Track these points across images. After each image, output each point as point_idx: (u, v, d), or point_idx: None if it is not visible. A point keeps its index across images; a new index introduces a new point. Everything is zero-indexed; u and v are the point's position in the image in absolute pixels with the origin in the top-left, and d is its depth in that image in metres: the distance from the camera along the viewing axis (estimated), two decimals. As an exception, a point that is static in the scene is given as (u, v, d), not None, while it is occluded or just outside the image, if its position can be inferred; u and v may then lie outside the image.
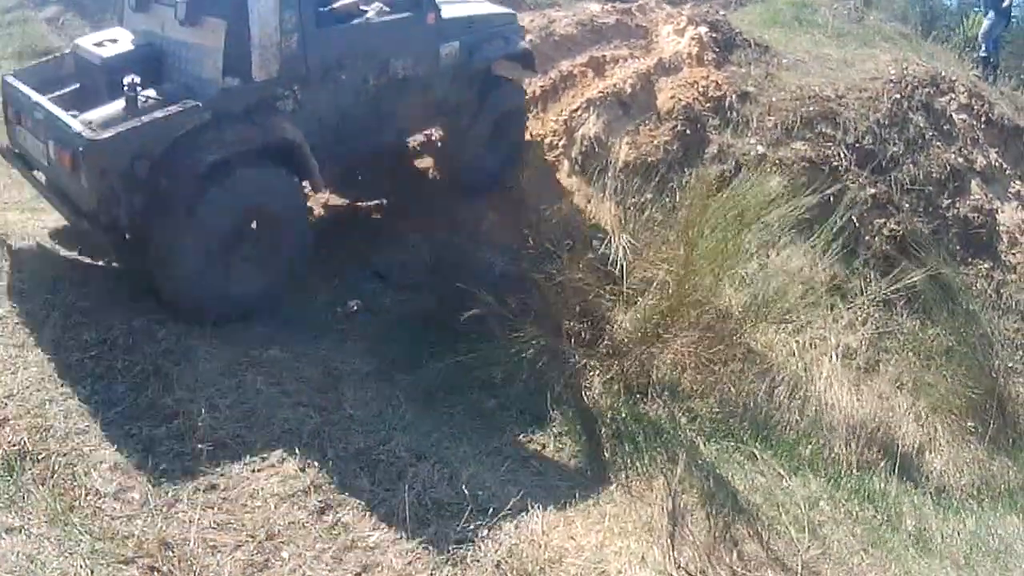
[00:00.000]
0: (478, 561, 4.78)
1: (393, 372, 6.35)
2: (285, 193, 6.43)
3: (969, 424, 7.93)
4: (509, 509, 5.14)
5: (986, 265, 9.41)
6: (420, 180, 8.59)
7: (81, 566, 4.24)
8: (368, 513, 4.96)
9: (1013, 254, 9.66)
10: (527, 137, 8.67)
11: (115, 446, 5.03)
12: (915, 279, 8.08)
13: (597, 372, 6.62)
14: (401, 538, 4.82)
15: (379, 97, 7.07)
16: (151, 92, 5.99)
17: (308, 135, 6.42)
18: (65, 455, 4.88)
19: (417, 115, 7.68)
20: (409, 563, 4.70)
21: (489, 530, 4.97)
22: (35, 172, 6.54)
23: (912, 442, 7.57)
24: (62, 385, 5.40)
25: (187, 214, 5.85)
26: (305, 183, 6.73)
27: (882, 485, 6.90)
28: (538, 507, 5.26)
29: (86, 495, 4.67)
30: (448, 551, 4.80)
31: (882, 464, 7.13)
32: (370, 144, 7.33)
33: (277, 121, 6.34)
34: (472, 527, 4.96)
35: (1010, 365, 8.68)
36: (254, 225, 6.37)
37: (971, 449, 7.82)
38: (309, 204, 7.39)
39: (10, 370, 5.43)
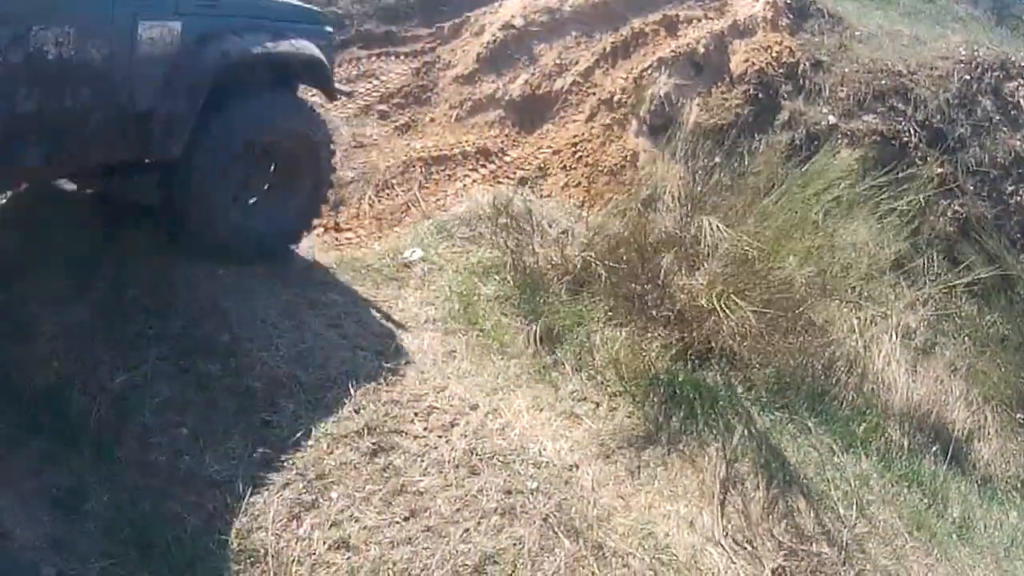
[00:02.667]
0: (527, 513, 4.71)
1: (450, 321, 6.28)
2: None
3: (1019, 416, 7.85)
4: (559, 463, 5.08)
5: (1047, 256, 9.16)
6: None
7: (125, 500, 4.22)
8: (419, 458, 4.89)
9: (1075, 245, 9.41)
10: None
11: (167, 381, 4.94)
12: (984, 274, 7.89)
13: (657, 336, 6.51)
14: (451, 485, 4.76)
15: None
16: None
17: None
18: (114, 391, 4.79)
19: (89, 129, 4.75)
20: (457, 510, 4.63)
21: (539, 483, 4.91)
22: None
23: (962, 429, 7.49)
24: (116, 320, 5.27)
25: None
26: None
27: (931, 469, 6.82)
28: (589, 464, 5.20)
29: (134, 430, 4.62)
30: (497, 501, 4.74)
31: (933, 449, 7.05)
32: None
33: None
34: (522, 479, 4.90)
35: None
36: None
37: (1018, 441, 7.76)
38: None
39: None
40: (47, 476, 4.25)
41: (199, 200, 5.45)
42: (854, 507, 5.85)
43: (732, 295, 6.37)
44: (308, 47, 5.72)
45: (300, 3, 6.00)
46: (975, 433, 7.61)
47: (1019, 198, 9.26)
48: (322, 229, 7.35)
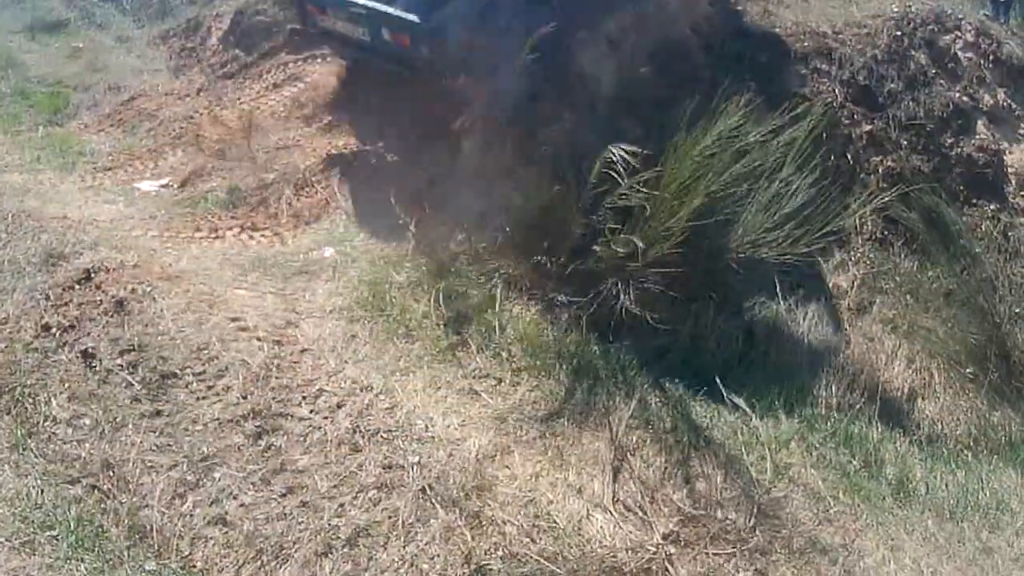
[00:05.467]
0: (404, 486, 4.75)
1: (356, 309, 6.29)
2: None
3: (968, 371, 7.59)
4: (446, 437, 5.08)
5: (992, 207, 9.01)
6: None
7: (33, 486, 4.59)
8: (302, 439, 5.03)
9: (1022, 196, 9.27)
10: None
11: (74, 378, 5.27)
12: (905, 217, 7.78)
13: (565, 306, 6.48)
14: (331, 462, 4.89)
15: None
16: None
17: None
18: (30, 386, 5.16)
19: None
20: (335, 486, 4.77)
21: (420, 457, 4.91)
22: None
23: (902, 386, 7.34)
24: (35, 322, 5.65)
25: None
26: None
27: (863, 430, 6.64)
28: (478, 437, 5.19)
29: (44, 422, 4.97)
30: (376, 475, 4.76)
31: (864, 408, 6.90)
32: None
33: None
34: (404, 454, 4.91)
35: (1017, 311, 8.28)
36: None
37: (969, 397, 7.48)
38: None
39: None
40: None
41: None
42: (769, 471, 5.75)
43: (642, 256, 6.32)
44: None
45: None
46: (919, 391, 7.42)
47: (960, 150, 9.11)
48: (238, 229, 7.38)
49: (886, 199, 8.03)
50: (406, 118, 8.13)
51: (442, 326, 6.22)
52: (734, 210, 6.79)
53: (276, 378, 5.39)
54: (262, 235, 7.41)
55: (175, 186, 8.48)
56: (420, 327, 6.21)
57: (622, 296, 6.37)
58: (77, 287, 5.98)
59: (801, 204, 7.07)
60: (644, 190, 6.28)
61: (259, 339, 5.75)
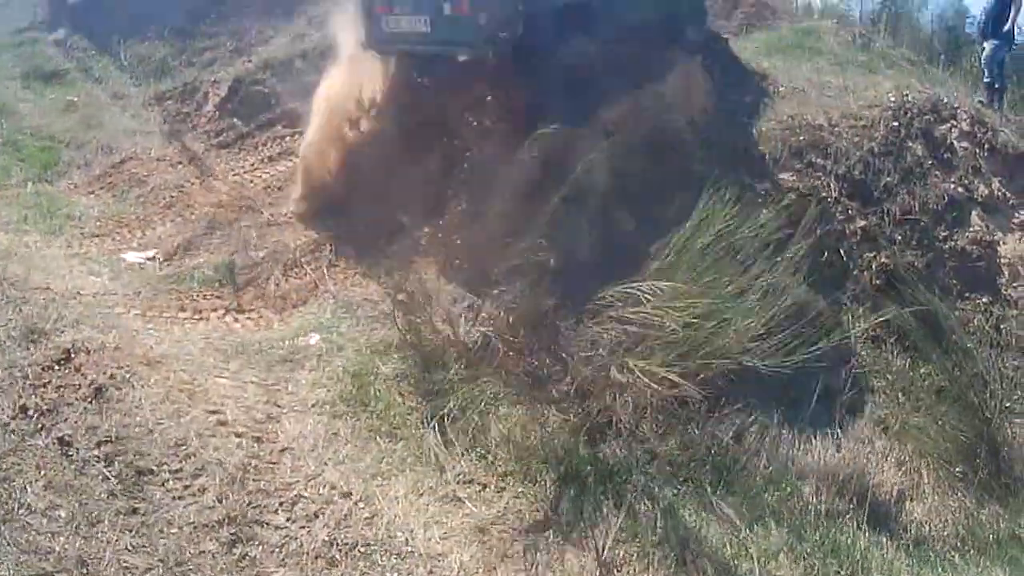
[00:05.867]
0: (384, 606, 4.58)
1: (340, 403, 6.16)
2: None
3: (957, 469, 7.48)
4: (426, 552, 4.93)
5: (985, 299, 9.00)
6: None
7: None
8: (278, 549, 4.87)
9: (1015, 287, 9.23)
10: None
11: (50, 465, 5.08)
12: (898, 315, 7.71)
13: (554, 411, 6.37)
14: None
15: None
16: None
17: None
18: (5, 470, 4.99)
19: None
20: None
21: (400, 574, 4.76)
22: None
23: (891, 490, 7.20)
24: (13, 402, 5.48)
25: None
26: None
27: (851, 538, 6.46)
28: (461, 551, 5.04)
29: (19, 509, 4.77)
30: (353, 593, 4.61)
31: (853, 514, 6.72)
32: None
33: None
34: (382, 570, 4.76)
35: (1007, 405, 8.15)
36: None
37: (958, 497, 7.35)
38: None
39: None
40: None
41: None
42: (758, 584, 5.60)
43: (634, 364, 6.24)
44: None
45: None
46: (908, 493, 7.29)
47: (953, 243, 9.08)
48: (223, 311, 7.27)
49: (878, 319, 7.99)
50: (399, 201, 8.04)
51: (427, 424, 6.07)
52: (725, 314, 6.68)
53: (254, 480, 5.24)
54: (248, 318, 7.32)
55: (161, 259, 8.39)
56: (404, 424, 6.09)
57: (612, 399, 6.25)
58: (56, 367, 5.81)
59: (792, 306, 7.00)
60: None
61: (238, 435, 5.61)
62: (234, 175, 9.73)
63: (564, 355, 6.59)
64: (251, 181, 9.43)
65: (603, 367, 6.47)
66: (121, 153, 10.83)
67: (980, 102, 11.06)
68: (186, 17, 14.82)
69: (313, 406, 6.11)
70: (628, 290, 6.59)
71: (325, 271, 7.78)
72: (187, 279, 7.86)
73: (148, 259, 8.60)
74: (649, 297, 6.44)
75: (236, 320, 7.26)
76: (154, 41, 14.54)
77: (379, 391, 6.31)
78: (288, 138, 10.00)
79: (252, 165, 10.00)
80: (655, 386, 6.25)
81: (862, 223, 8.62)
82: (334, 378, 6.41)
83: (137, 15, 14.78)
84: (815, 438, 7.13)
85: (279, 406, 6.05)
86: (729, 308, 6.69)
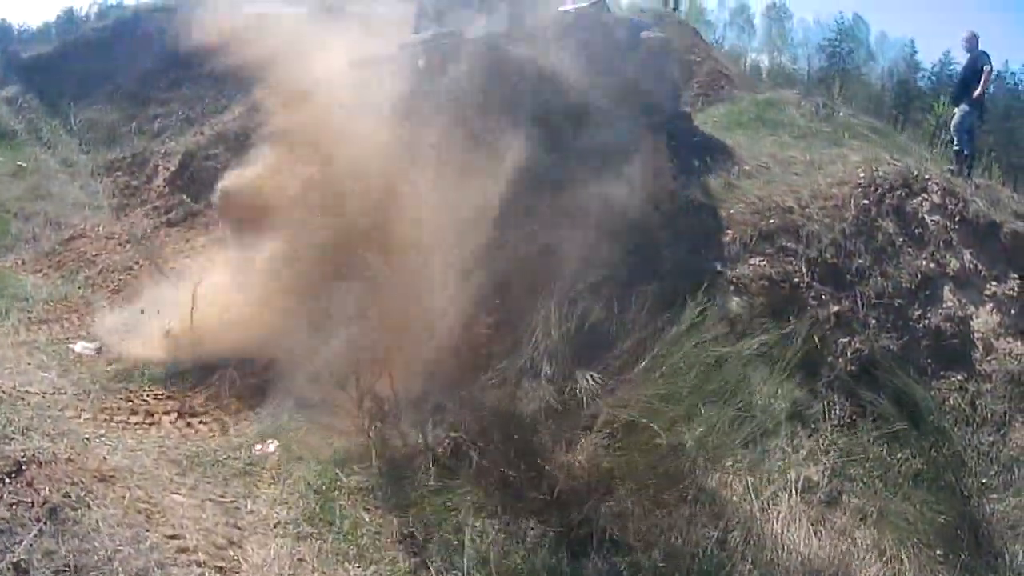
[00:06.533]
0: None
1: (303, 523, 5.83)
2: None
3: (938, 552, 7.32)
4: None
5: (960, 377, 8.87)
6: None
7: None
8: None
9: (989, 361, 9.12)
10: None
11: None
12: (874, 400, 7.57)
13: (533, 524, 6.07)
14: None
15: None
16: None
17: None
18: None
19: None
20: None
21: None
22: None
23: (874, 582, 7.03)
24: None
25: None
26: None
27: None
28: None
29: None
30: None
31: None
32: None
33: None
34: None
35: (984, 482, 8.12)
36: None
37: (941, 580, 7.22)
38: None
39: None
40: None
41: None
42: None
43: (614, 473, 6.01)
44: None
45: None
46: (890, 582, 7.16)
47: (927, 322, 8.98)
48: (175, 415, 6.94)
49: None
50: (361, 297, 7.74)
51: (398, 545, 5.77)
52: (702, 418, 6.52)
53: (219, 619, 4.88)
54: (201, 422, 7.01)
55: (109, 352, 8.06)
56: (374, 546, 5.79)
57: (594, 511, 6.00)
58: (8, 480, 5.48)
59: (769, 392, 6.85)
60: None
61: (200, 564, 5.26)
62: (184, 256, 9.41)
63: (540, 460, 6.29)
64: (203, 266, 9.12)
65: (582, 472, 6.21)
66: (70, 229, 10.55)
67: (950, 170, 11.04)
68: (138, 81, 14.55)
69: (276, 526, 5.80)
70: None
71: (284, 368, 7.44)
72: (137, 376, 7.52)
73: (97, 350, 8.31)
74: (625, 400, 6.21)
75: (189, 425, 6.96)
76: (105, 105, 14.26)
77: (344, 507, 6.01)
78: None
79: (202, 245, 9.69)
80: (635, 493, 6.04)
81: (835, 308, 8.49)
82: (296, 493, 6.12)
83: (90, 75, 14.64)
84: (798, 535, 6.90)
85: (240, 528, 5.73)
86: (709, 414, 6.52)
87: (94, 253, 9.87)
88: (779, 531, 6.88)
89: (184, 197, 10.76)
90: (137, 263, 9.45)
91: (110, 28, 16.79)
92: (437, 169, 7.63)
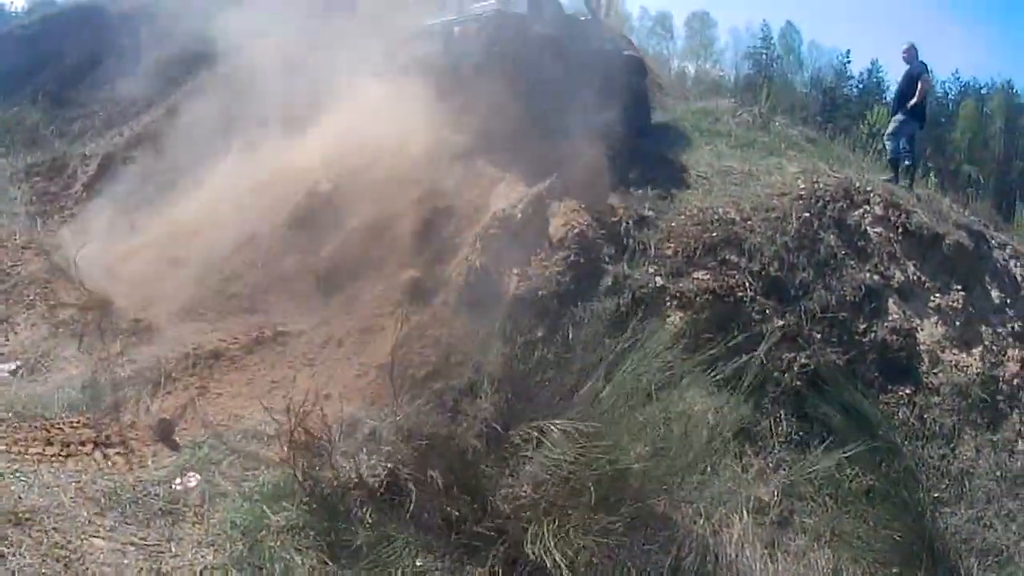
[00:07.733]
0: None
1: (231, 568, 5.42)
2: None
3: (894, 571, 7.26)
4: None
5: (907, 390, 8.83)
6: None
7: None
8: None
9: (935, 374, 9.11)
10: None
11: None
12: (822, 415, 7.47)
13: (474, 560, 5.75)
14: None
15: None
16: None
17: None
18: None
19: None
20: None
21: None
22: None
23: (831, 604, 6.86)
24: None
25: None
26: None
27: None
28: None
29: None
30: None
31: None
32: None
33: None
34: None
35: (936, 495, 8.13)
36: None
37: (897, 599, 7.08)
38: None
39: None
40: None
41: None
42: None
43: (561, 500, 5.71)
44: None
45: None
46: (849, 604, 7.00)
47: (873, 335, 8.89)
48: (91, 445, 6.48)
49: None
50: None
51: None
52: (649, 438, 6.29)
53: None
54: (118, 453, 6.53)
55: (25, 373, 7.63)
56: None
57: (543, 544, 5.69)
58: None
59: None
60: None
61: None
62: (104, 266, 8.93)
63: (484, 490, 5.96)
64: (120, 274, 8.67)
65: (528, 501, 5.90)
66: (-15, 238, 9.91)
67: (888, 180, 11.01)
68: (59, 80, 13.94)
69: (202, 572, 5.35)
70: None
71: (204, 387, 7.04)
72: (52, 403, 7.04)
73: (11, 372, 7.84)
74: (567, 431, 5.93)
75: (106, 456, 6.46)
76: (27, 105, 13.66)
77: (274, 549, 5.56)
78: (166, 220, 9.24)
79: (124, 255, 9.22)
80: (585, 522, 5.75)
81: (780, 323, 8.33)
82: (222, 534, 5.66)
83: (10, 73, 13.94)
84: (752, 560, 6.69)
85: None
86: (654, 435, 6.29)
87: (10, 264, 9.33)
88: (733, 555, 6.67)
89: (104, 202, 10.25)
90: (54, 274, 8.94)
91: (37, 24, 16.19)
92: None
